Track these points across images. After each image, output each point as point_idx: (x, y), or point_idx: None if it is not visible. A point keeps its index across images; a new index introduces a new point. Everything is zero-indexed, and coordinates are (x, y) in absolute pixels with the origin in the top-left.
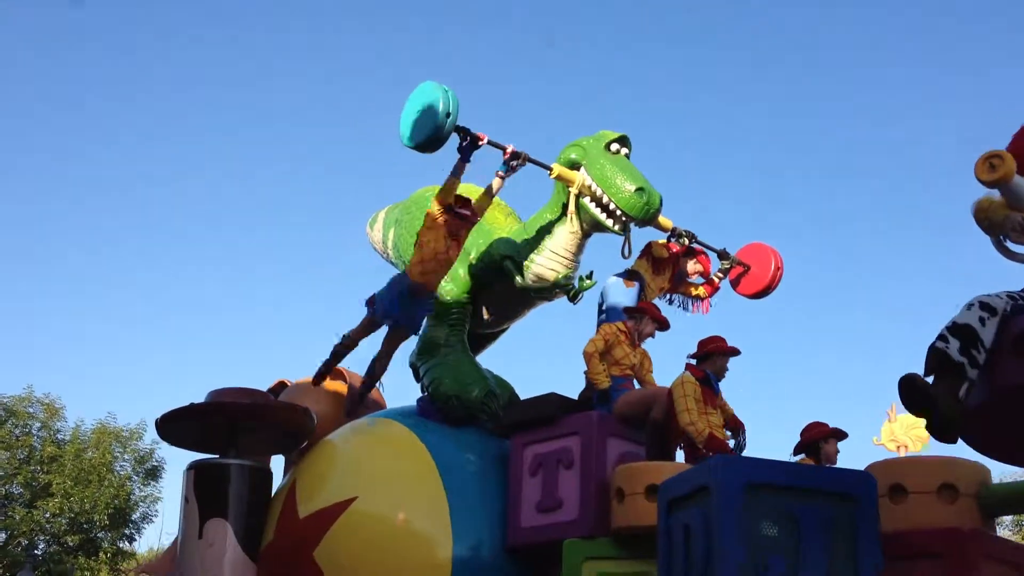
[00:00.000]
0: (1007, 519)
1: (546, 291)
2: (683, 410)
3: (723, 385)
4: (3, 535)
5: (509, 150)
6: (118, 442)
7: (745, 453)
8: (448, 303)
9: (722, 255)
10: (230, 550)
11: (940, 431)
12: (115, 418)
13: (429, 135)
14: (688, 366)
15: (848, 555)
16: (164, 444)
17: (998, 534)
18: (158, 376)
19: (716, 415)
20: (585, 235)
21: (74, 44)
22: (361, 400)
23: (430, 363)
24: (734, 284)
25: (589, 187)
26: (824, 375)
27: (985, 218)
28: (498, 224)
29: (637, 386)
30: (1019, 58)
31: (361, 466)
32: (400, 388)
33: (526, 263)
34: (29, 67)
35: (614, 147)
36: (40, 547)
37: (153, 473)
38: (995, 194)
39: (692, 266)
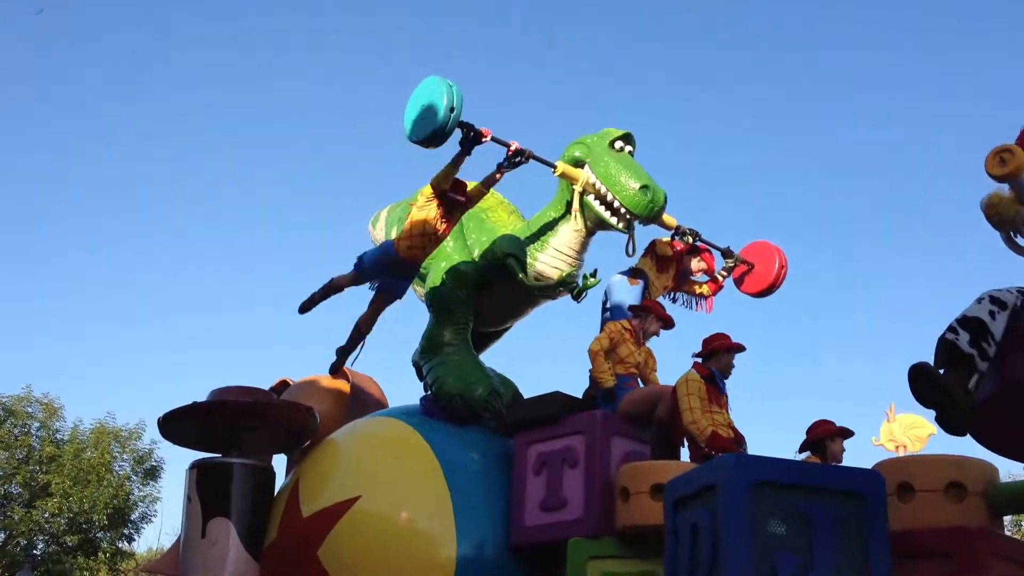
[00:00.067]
0: (1006, 518)
1: (550, 289)
2: (686, 408)
3: (728, 386)
4: (2, 535)
5: (513, 147)
6: (117, 442)
7: None
8: (451, 301)
9: (726, 253)
10: (233, 549)
11: (949, 422)
12: (114, 418)
13: (433, 130)
14: (694, 364)
15: (858, 554)
16: (163, 444)
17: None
18: (157, 376)
19: (722, 413)
20: (589, 233)
21: (74, 44)
22: (319, 300)
23: (433, 362)
24: (738, 282)
25: (593, 185)
26: (824, 375)
27: (995, 214)
28: (502, 222)
29: (642, 385)
30: (1019, 58)
31: (364, 465)
32: (404, 387)
33: (530, 261)
34: (29, 67)
35: (618, 145)
36: (39, 547)
37: (152, 473)
38: (1005, 189)
39: (696, 264)
